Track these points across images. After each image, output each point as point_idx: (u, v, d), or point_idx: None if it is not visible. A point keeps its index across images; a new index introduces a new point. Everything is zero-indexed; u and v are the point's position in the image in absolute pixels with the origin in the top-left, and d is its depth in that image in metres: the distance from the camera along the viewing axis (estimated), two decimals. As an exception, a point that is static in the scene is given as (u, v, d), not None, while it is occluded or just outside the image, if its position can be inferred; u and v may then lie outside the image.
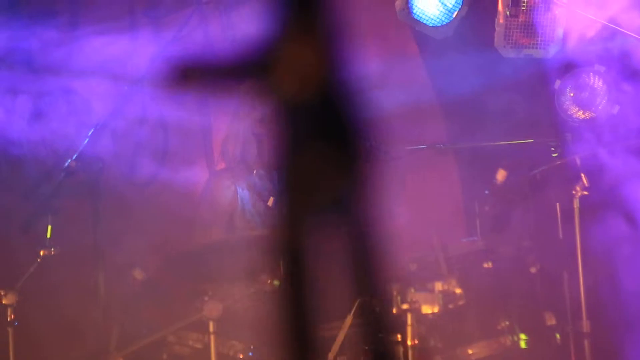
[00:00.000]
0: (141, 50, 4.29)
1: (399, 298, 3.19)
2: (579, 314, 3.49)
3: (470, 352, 3.33)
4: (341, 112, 2.14)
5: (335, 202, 2.42)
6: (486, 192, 3.62)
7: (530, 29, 4.53)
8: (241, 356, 3.43)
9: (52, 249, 3.42)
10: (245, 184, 4.10)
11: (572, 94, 4.59)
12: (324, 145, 2.12)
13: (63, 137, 4.18)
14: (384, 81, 4.50)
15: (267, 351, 3.45)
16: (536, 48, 4.62)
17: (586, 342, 3.49)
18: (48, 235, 3.39)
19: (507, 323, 3.32)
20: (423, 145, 4.22)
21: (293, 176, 2.18)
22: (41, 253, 3.42)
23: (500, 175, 3.61)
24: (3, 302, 3.38)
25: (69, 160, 3.02)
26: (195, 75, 2.41)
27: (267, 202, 4.10)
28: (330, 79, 2.08)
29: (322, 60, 2.05)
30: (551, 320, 3.38)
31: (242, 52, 2.22)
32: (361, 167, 2.44)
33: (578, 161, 3.59)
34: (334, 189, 2.30)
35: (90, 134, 3.08)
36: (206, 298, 3.23)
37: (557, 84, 4.56)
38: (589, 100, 4.51)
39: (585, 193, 3.55)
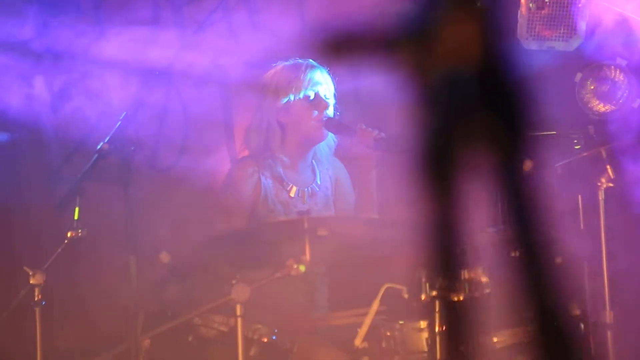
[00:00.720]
0: (165, 39, 4.31)
1: (427, 285, 3.21)
2: (602, 305, 3.51)
3: (495, 340, 3.35)
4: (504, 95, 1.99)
5: None
6: (512, 182, 3.63)
7: (553, 21, 4.54)
8: (265, 340, 3.45)
9: (80, 231, 3.44)
10: (269, 172, 4.12)
11: (592, 87, 4.60)
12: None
13: (85, 121, 4.21)
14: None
15: (291, 335, 3.48)
16: (559, 40, 4.64)
17: (609, 333, 3.51)
18: (76, 217, 3.41)
19: (533, 312, 3.33)
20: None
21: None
22: (68, 234, 3.44)
23: (527, 165, 3.62)
24: (31, 281, 3.41)
25: (102, 143, 3.03)
26: (347, 45, 2.33)
27: (289, 191, 4.13)
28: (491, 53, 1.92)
29: (483, 31, 1.90)
30: (576, 311, 3.39)
31: (395, 24, 2.10)
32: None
33: (604, 153, 3.60)
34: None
35: (122, 117, 3.09)
36: (234, 282, 3.25)
37: (578, 77, 4.58)
38: (609, 93, 4.53)
39: (611, 185, 3.57)
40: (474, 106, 1.93)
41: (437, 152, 2.02)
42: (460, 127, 1.76)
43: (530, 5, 4.55)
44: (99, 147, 3.02)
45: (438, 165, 2.09)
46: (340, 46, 2.31)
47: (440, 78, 1.72)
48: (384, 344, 3.47)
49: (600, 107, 4.62)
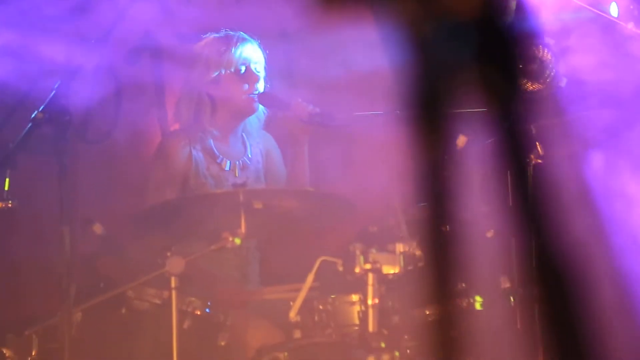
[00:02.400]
0: (98, 8, 4.24)
1: (361, 258, 3.25)
2: (529, 278, 3.58)
3: (427, 312, 3.40)
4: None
5: None
6: (445, 157, 3.68)
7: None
8: (198, 312, 3.45)
9: (10, 202, 3.38)
10: (200, 145, 4.10)
11: (521, 66, 4.68)
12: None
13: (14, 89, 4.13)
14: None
15: (223, 308, 3.48)
16: (488, 19, 4.70)
17: (536, 307, 3.58)
18: (6, 188, 3.35)
19: (464, 285, 3.40)
20: (377, 112, 4.26)
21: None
22: (-2, 205, 3.38)
23: (461, 141, 3.67)
24: (-42, 254, 3.34)
25: (36, 112, 2.97)
26: None
27: (221, 164, 4.11)
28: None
29: None
30: (505, 284, 3.47)
31: None
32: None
33: (533, 130, 3.67)
34: None
35: (56, 86, 3.03)
36: (169, 254, 3.24)
37: (507, 55, 4.65)
38: (537, 72, 4.61)
39: (540, 161, 3.64)
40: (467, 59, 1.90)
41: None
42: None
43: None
44: (33, 115, 2.96)
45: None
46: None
47: (437, 29, 1.66)
48: (316, 318, 3.50)
49: (529, 85, 4.70)
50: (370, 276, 3.25)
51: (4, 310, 3.96)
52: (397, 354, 3.17)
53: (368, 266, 3.24)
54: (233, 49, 4.12)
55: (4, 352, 3.32)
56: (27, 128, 2.94)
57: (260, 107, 4.18)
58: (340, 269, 3.29)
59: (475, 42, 1.90)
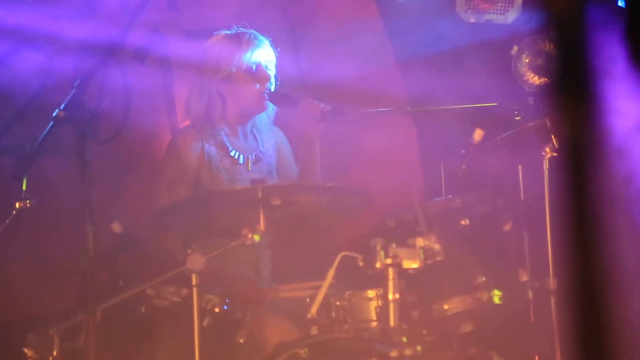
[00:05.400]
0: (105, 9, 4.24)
1: (382, 253, 3.25)
2: (546, 271, 3.60)
3: (446, 307, 3.41)
4: None
5: None
6: (462, 151, 3.69)
7: (491, -5, 4.61)
8: (217, 310, 3.45)
9: (28, 201, 3.38)
10: (212, 140, 4.09)
11: (527, 60, 4.69)
12: None
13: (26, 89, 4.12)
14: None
15: (241, 305, 3.48)
16: (496, 13, 4.72)
17: (552, 299, 3.60)
18: (24, 187, 3.35)
19: (483, 279, 3.41)
20: (388, 108, 4.27)
21: None
22: (17, 205, 3.37)
23: (478, 134, 3.69)
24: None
25: (57, 110, 2.97)
26: None
27: (234, 158, 4.11)
28: None
29: None
30: (524, 277, 3.48)
31: None
32: None
33: (548, 123, 3.68)
34: None
35: (76, 85, 3.03)
36: (189, 251, 3.23)
37: (514, 50, 4.66)
38: (543, 66, 4.62)
39: (555, 154, 3.65)
40: None
41: None
42: None
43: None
44: (54, 114, 2.95)
45: None
46: None
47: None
48: (333, 314, 3.50)
49: (535, 79, 4.71)
50: (391, 271, 3.25)
51: (25, 310, 3.96)
52: (419, 348, 3.17)
53: (389, 261, 3.24)
54: (245, 48, 4.11)
55: (26, 351, 3.31)
56: (48, 127, 2.93)
57: (270, 104, 4.18)
58: (361, 264, 3.29)
59: None
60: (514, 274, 3.49)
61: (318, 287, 3.39)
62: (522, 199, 3.84)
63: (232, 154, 4.09)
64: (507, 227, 3.49)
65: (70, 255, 3.46)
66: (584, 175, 1.59)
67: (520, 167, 3.93)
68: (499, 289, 3.42)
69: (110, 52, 3.36)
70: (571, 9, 1.58)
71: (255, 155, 4.15)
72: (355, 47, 4.58)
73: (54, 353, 3.29)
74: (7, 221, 3.38)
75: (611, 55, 3.68)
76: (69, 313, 3.33)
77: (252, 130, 4.20)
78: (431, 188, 4.20)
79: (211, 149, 4.07)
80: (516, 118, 4.04)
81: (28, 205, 3.37)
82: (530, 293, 3.49)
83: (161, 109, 4.54)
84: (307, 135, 4.15)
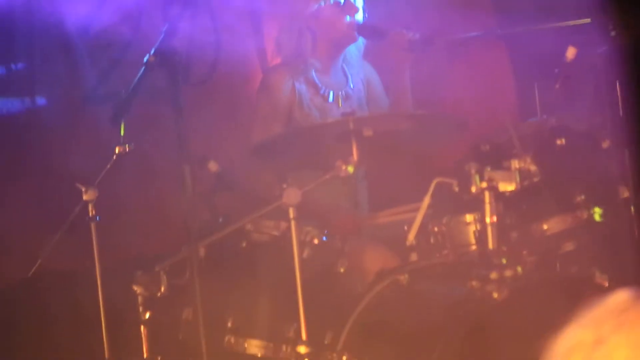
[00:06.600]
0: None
1: (477, 177, 3.23)
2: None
3: (545, 227, 3.39)
4: None
5: None
6: (556, 70, 3.63)
7: None
8: (316, 241, 3.50)
9: (127, 146, 3.47)
10: (303, 78, 4.12)
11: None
12: None
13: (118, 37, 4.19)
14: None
15: (340, 235, 3.52)
16: None
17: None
18: (122, 132, 3.43)
19: (583, 197, 3.36)
20: (477, 32, 4.21)
21: None
22: (116, 150, 3.47)
23: (570, 52, 3.61)
24: (84, 198, 3.45)
25: (148, 55, 3.03)
26: None
27: (325, 95, 4.13)
28: None
29: None
30: (625, 193, 3.42)
31: None
32: None
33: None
34: None
35: (164, 30, 3.08)
36: (285, 186, 3.28)
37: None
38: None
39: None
40: None
41: None
42: None
43: None
44: (145, 59, 3.01)
45: None
46: None
47: None
48: (432, 240, 3.51)
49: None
50: (487, 194, 3.23)
51: (132, 249, 4.09)
52: (519, 269, 3.17)
53: (484, 185, 3.23)
54: (333, -19, 4.12)
55: (135, 288, 3.43)
56: (140, 72, 2.99)
57: (360, 38, 4.19)
58: (456, 189, 3.28)
59: None
60: (615, 191, 3.43)
61: (416, 210, 3.41)
62: (621, 115, 3.75)
63: (322, 92, 4.12)
64: (605, 145, 3.43)
65: (170, 195, 3.54)
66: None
67: (617, 82, 3.83)
68: (599, 207, 3.37)
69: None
70: None
71: (345, 92, 4.18)
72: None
73: (162, 289, 3.41)
74: (109, 165, 3.48)
75: None
76: (174, 251, 3.43)
77: (342, 66, 4.22)
78: (526, 110, 4.15)
79: (302, 87, 4.10)
80: (611, 34, 3.93)
81: (127, 149, 3.46)
82: (633, 209, 3.43)
83: (251, 50, 4.58)
84: (397, 66, 4.15)
